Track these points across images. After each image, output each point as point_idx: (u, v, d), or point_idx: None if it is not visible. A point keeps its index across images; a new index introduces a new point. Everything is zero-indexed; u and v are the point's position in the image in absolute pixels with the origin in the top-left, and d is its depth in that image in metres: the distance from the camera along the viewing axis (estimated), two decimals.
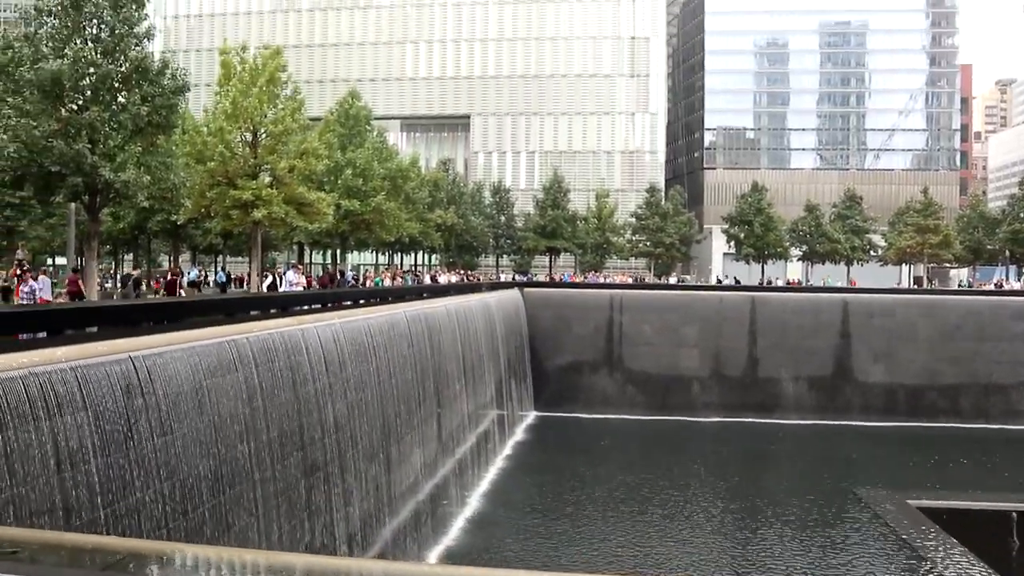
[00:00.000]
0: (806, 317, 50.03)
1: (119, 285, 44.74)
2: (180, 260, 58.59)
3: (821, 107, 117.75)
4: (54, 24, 26.67)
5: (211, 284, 44.09)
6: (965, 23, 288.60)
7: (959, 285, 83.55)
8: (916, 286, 76.40)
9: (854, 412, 48.04)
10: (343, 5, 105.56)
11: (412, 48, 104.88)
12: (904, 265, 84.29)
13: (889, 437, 44.29)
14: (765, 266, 79.21)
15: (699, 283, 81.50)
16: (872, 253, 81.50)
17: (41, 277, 25.00)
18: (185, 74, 30.11)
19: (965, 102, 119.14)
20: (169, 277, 35.54)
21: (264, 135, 37.45)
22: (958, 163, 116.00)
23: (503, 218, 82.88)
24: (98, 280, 35.85)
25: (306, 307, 20.13)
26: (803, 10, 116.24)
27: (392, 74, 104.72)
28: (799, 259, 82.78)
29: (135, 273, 39.58)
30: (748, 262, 79.88)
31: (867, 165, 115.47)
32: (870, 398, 48.54)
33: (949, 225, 79.33)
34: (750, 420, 46.79)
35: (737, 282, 70.43)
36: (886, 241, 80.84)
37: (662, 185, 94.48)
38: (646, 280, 77.21)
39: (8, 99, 25.48)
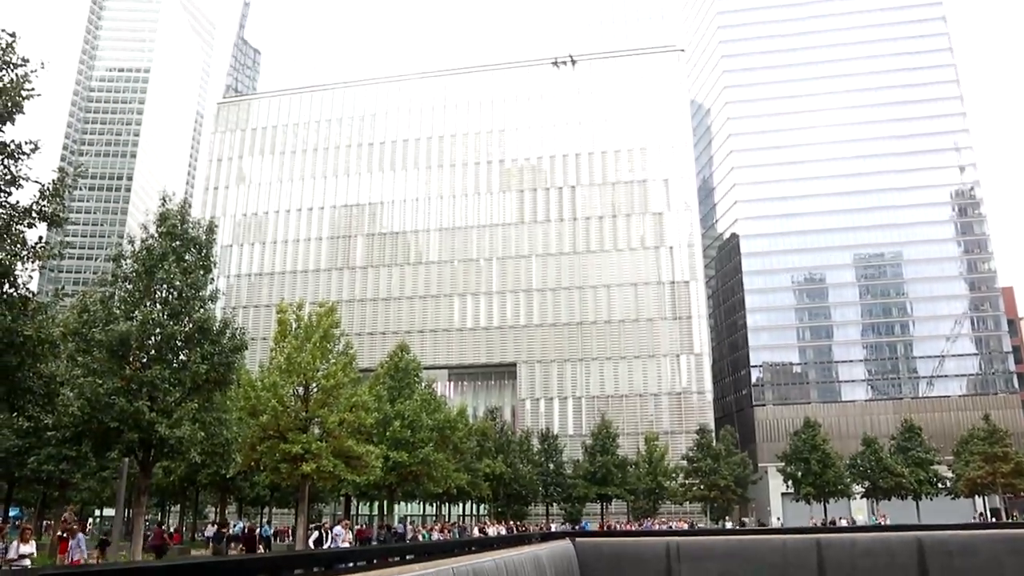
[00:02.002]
0: (879, 559, 46.97)
1: (211, 540, 44.50)
2: (227, 512, 58.11)
3: (866, 338, 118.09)
4: (127, 288, 28.72)
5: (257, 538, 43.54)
6: (999, 243, 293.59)
7: None
8: (994, 519, 72.02)
9: None
10: (394, 262, 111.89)
11: (459, 300, 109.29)
12: (977, 497, 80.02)
13: None
14: (827, 505, 75.77)
15: (759, 526, 77.80)
16: (940, 486, 77.82)
17: (79, 535, 25.27)
18: (243, 333, 31.61)
19: (1012, 323, 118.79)
20: (246, 532, 35.47)
21: (316, 389, 38.42)
22: (1016, 385, 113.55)
23: (552, 465, 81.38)
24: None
25: (351, 564, 19.70)
26: (836, 246, 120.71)
27: (440, 325, 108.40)
28: (862, 496, 79.19)
29: (226, 531, 39.64)
30: (808, 501, 76.61)
31: (921, 393, 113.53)
32: None
33: (1019, 451, 76.10)
34: None
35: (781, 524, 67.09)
36: (953, 472, 77.42)
37: (712, 425, 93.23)
38: (702, 525, 73.99)
39: (78, 358, 26.89)
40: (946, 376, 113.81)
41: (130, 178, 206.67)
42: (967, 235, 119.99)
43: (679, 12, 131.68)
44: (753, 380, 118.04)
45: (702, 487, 78.64)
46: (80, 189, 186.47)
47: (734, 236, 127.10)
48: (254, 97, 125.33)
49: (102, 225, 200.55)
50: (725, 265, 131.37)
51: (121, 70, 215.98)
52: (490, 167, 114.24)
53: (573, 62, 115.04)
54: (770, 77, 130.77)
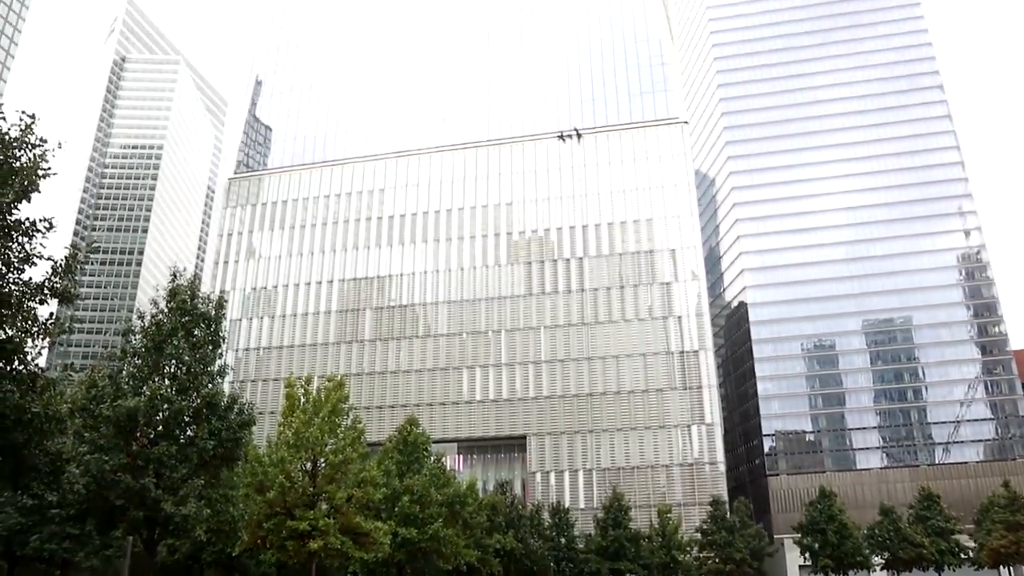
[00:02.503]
0: None
1: None
2: None
3: (879, 404, 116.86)
4: (136, 363, 28.75)
5: None
6: (1008, 306, 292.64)
7: None
8: None
9: None
10: (402, 335, 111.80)
11: (468, 373, 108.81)
12: (1002, 567, 77.91)
13: None
14: None
15: None
16: (963, 556, 75.84)
17: None
18: (252, 408, 31.49)
19: None
20: None
21: (324, 464, 38.02)
22: None
23: (563, 540, 79.70)
24: None
25: None
26: (845, 312, 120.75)
27: (449, 398, 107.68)
28: (882, 568, 77.20)
29: None
30: (827, 574, 74.67)
31: (938, 460, 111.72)
32: None
33: None
34: None
35: None
36: (975, 542, 75.56)
37: (726, 496, 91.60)
38: None
39: (85, 434, 26.77)
40: (962, 442, 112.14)
41: (141, 252, 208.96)
42: (976, 299, 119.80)
43: (682, 85, 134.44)
44: (766, 449, 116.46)
45: (717, 561, 76.89)
46: (91, 264, 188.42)
47: (742, 304, 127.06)
48: (265, 172, 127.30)
49: (112, 300, 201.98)
50: (734, 333, 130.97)
51: (135, 147, 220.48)
52: (498, 240, 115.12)
53: (579, 135, 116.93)
54: (773, 147, 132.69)
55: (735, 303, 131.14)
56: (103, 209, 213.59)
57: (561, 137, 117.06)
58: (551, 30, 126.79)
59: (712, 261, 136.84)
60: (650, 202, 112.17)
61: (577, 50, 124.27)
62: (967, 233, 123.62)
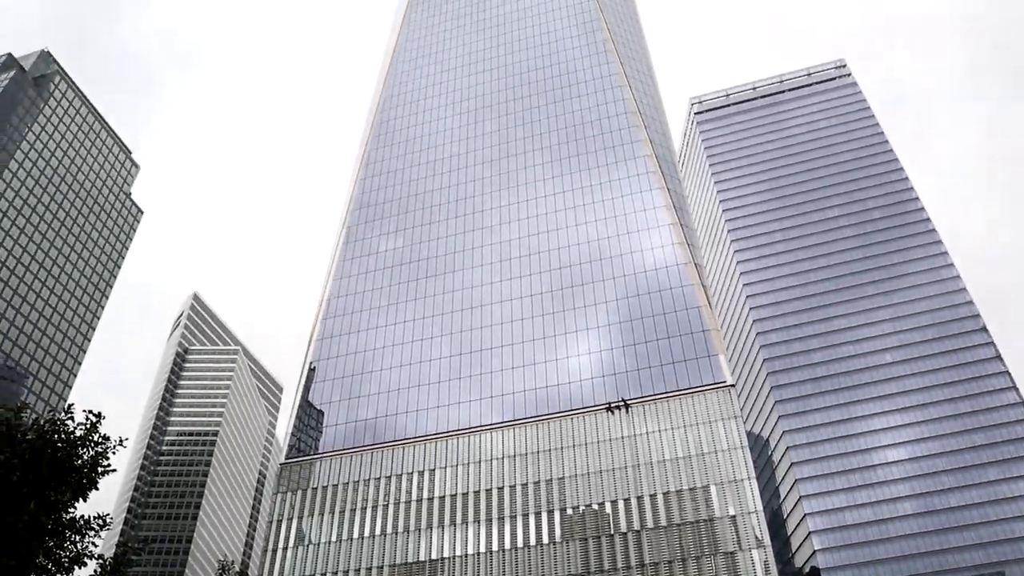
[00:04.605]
0: None
1: None
2: None
3: None
4: None
5: None
6: None
7: None
8: None
9: None
10: None
11: None
12: None
13: None
14: None
15: None
16: None
17: None
18: None
19: None
20: None
21: None
22: None
23: None
24: None
25: None
26: (928, 572, 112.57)
27: None
28: None
29: None
30: None
31: None
32: None
33: None
34: None
35: None
36: None
37: None
38: None
39: None
40: None
41: (189, 540, 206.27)
42: None
43: (726, 350, 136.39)
44: None
45: None
46: (138, 554, 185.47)
47: (814, 570, 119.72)
48: (316, 457, 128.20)
49: None
50: None
51: (191, 434, 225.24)
52: (551, 516, 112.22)
53: (627, 406, 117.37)
54: (823, 403, 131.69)
55: (807, 568, 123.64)
56: (155, 497, 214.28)
57: (609, 409, 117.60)
58: (593, 308, 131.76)
59: (776, 526, 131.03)
60: (705, 469, 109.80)
61: (619, 323, 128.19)
62: None
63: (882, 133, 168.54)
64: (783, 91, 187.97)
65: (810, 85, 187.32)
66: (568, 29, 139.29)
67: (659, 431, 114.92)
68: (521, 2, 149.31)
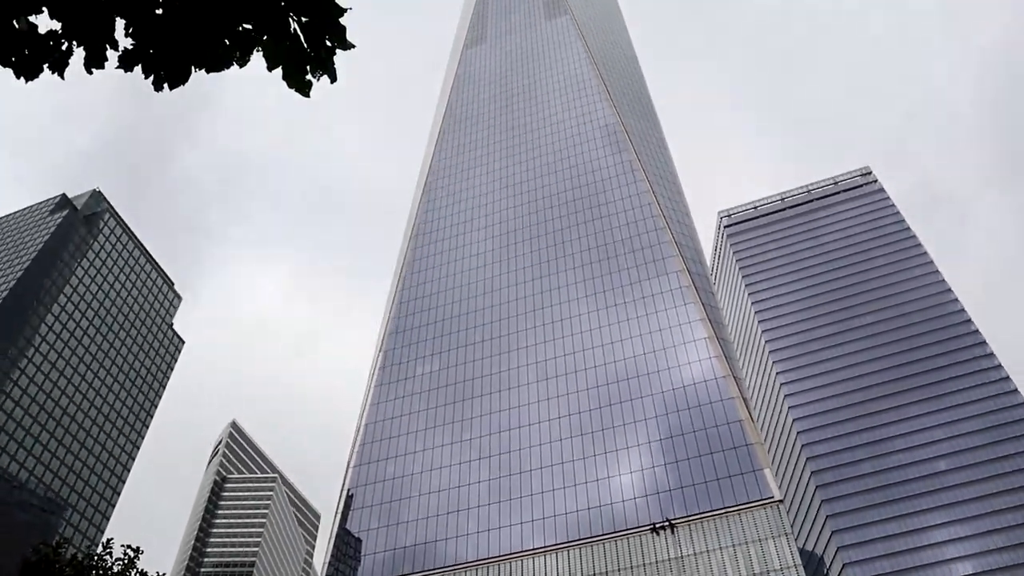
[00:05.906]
0: None
1: None
2: None
3: None
4: None
5: None
6: None
7: None
8: None
9: None
10: None
11: None
12: None
13: None
14: None
15: None
16: None
17: None
18: None
19: None
20: None
21: None
22: None
23: None
24: None
25: None
26: None
27: None
28: None
29: None
30: None
31: None
32: None
33: None
34: None
35: None
36: None
37: None
38: None
39: None
40: None
41: None
42: None
43: (771, 464, 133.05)
44: None
45: None
46: None
47: None
48: None
49: None
50: None
51: (228, 565, 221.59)
52: None
53: (672, 526, 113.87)
54: (876, 516, 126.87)
55: None
56: None
57: (655, 530, 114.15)
58: (633, 425, 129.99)
59: None
60: None
61: (660, 440, 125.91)
62: None
63: (914, 236, 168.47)
64: (811, 200, 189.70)
65: (837, 193, 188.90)
66: (596, 151, 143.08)
67: (707, 551, 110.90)
68: (549, 127, 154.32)
